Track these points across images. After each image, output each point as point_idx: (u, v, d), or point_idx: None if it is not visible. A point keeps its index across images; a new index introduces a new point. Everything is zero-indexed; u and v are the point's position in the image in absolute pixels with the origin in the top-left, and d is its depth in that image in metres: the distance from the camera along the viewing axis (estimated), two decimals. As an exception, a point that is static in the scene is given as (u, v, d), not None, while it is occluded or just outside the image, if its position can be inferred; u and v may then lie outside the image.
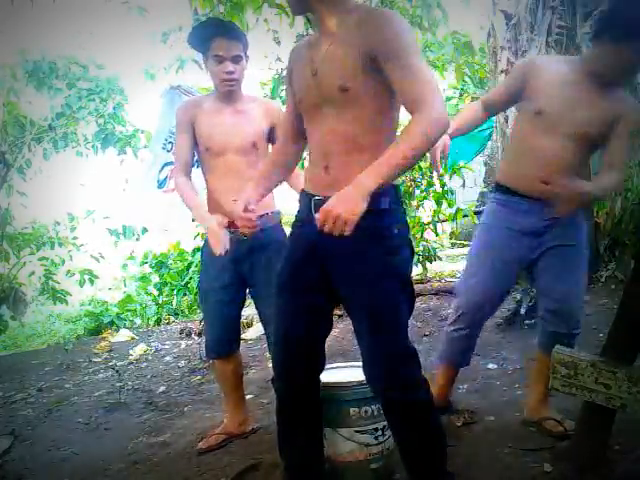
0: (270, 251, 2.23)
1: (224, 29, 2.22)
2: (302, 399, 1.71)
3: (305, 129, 1.65)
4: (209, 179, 2.34)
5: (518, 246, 2.11)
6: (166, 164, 4.16)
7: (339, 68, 1.47)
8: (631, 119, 2.00)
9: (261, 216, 2.20)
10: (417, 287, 5.08)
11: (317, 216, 1.36)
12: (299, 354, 1.66)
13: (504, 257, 2.12)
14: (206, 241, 2.32)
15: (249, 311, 5.17)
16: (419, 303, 4.63)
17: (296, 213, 1.71)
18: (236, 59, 2.20)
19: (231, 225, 2.18)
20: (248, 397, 2.95)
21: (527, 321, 3.48)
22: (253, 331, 4.46)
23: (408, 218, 5.60)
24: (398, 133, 1.46)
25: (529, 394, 2.27)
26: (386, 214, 1.53)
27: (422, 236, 5.48)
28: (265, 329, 2.39)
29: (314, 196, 1.58)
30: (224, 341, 2.36)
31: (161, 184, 4.20)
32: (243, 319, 4.76)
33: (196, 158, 2.41)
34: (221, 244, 2.12)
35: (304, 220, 1.61)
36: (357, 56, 1.44)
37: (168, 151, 4.13)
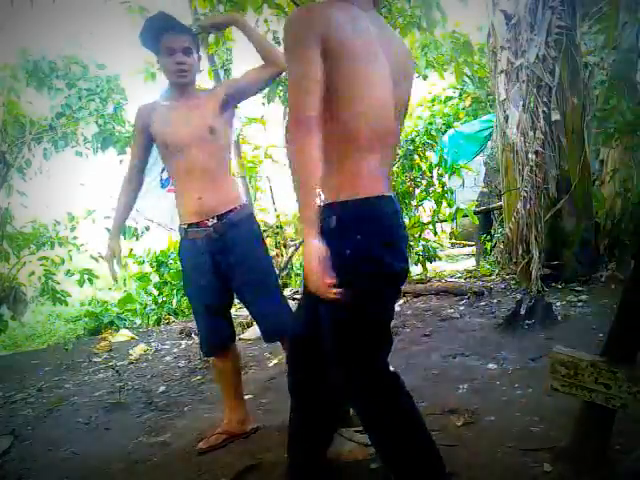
0: (244, 245, 2.24)
1: (172, 23, 2.26)
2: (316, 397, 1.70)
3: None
4: (174, 180, 2.36)
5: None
6: None
7: None
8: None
9: (229, 211, 2.22)
10: (417, 287, 5.10)
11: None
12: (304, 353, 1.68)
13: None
14: (181, 244, 2.35)
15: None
16: (419, 303, 4.63)
17: None
18: (187, 51, 2.24)
19: (201, 224, 2.21)
20: (248, 397, 2.95)
21: (527, 321, 3.48)
22: (253, 331, 4.46)
23: (407, 218, 5.58)
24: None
25: None
26: (330, 239, 1.37)
27: (421, 235, 5.49)
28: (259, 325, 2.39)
29: None
30: (215, 340, 2.37)
31: (164, 184, 4.22)
32: (242, 319, 4.76)
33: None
34: (110, 273, 2.33)
35: None
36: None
37: None
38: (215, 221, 2.22)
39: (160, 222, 4.30)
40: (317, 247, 1.31)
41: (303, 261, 1.34)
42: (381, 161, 1.49)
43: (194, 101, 2.29)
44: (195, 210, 2.24)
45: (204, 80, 5.65)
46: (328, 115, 1.38)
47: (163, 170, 4.19)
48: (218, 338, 2.38)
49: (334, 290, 1.31)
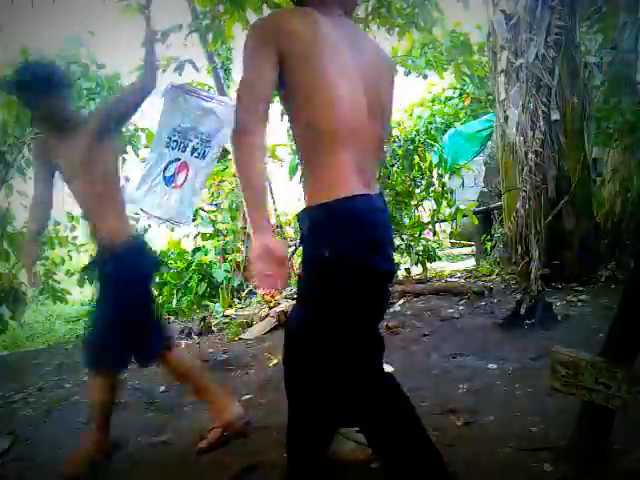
0: (108, 269, 2.34)
1: None
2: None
3: None
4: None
5: None
6: (171, 161, 4.19)
7: None
8: None
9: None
10: (417, 287, 5.10)
11: None
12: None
13: None
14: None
15: (249, 311, 5.17)
16: (419, 303, 4.63)
17: None
18: None
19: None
20: (248, 397, 2.96)
21: (527, 321, 3.48)
22: (253, 331, 4.46)
23: (407, 218, 5.57)
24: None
25: None
26: (307, 243, 1.48)
27: (420, 235, 5.48)
28: None
29: None
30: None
31: (168, 181, 4.23)
32: (242, 319, 4.76)
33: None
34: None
35: None
36: None
37: (173, 149, 4.16)
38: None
39: (167, 218, 4.31)
40: (262, 245, 1.35)
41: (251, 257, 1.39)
42: (355, 161, 1.48)
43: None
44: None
45: (204, 79, 5.66)
46: (296, 119, 1.46)
47: (166, 168, 4.21)
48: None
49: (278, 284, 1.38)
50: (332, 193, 1.44)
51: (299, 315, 1.59)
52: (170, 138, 4.15)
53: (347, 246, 1.43)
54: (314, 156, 1.47)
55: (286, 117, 1.56)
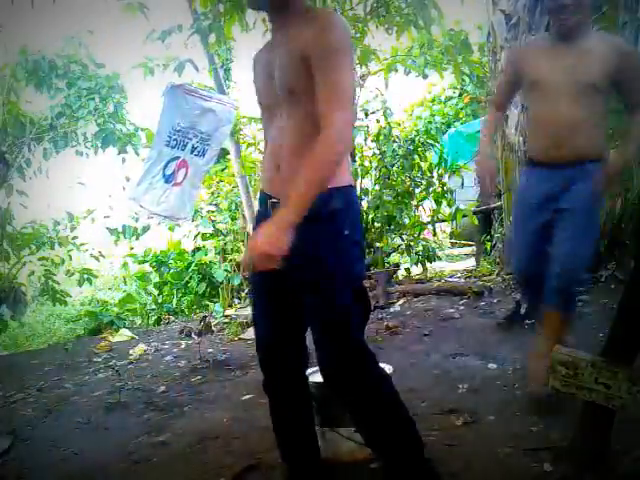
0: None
1: None
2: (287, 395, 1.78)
3: None
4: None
5: (540, 210, 2.34)
6: (171, 160, 4.19)
7: (286, 72, 1.50)
8: (625, 51, 2.23)
9: None
10: (417, 287, 5.10)
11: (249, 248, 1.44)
12: (275, 352, 1.74)
13: (533, 222, 2.37)
14: None
15: (249, 311, 5.16)
16: (419, 303, 4.63)
17: (257, 213, 1.78)
18: None
19: None
20: (248, 397, 2.96)
21: (527, 321, 3.48)
22: (252, 331, 4.46)
23: (407, 218, 5.59)
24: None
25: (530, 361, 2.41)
26: (335, 217, 1.53)
27: (419, 235, 5.49)
28: None
29: (271, 197, 1.61)
30: None
31: (168, 179, 4.24)
32: (243, 319, 4.76)
33: None
34: None
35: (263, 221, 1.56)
36: (298, 60, 1.46)
37: (172, 147, 4.16)
38: None
39: (167, 215, 4.31)
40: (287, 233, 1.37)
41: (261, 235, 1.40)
42: None
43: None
44: None
45: (205, 79, 5.66)
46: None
47: (166, 166, 4.21)
48: None
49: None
50: (346, 179, 1.57)
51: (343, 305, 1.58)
52: (170, 137, 4.15)
53: (358, 229, 1.63)
54: None
55: None
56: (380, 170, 5.68)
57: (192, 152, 4.26)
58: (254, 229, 1.66)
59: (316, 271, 1.54)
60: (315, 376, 2.03)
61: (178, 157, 4.22)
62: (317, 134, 1.42)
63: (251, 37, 4.95)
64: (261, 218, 1.63)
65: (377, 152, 5.63)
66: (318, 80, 1.42)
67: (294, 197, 1.39)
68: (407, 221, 5.50)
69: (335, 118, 1.39)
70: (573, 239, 2.22)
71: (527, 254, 2.40)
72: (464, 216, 5.37)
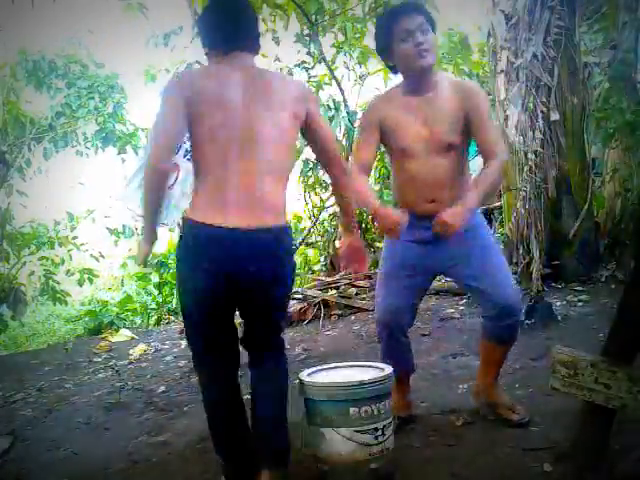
0: None
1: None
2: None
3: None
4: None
5: (417, 255, 2.18)
6: None
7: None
8: (476, 96, 2.13)
9: None
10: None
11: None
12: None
13: (406, 269, 2.20)
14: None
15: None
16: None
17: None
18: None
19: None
20: (247, 397, 2.95)
21: (527, 321, 3.48)
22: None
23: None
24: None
25: (480, 379, 2.36)
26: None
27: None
28: None
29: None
30: None
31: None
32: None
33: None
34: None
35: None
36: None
37: None
38: None
39: (163, 222, 4.29)
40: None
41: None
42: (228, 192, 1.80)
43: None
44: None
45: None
46: None
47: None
48: None
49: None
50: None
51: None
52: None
53: None
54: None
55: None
56: (380, 170, 5.68)
57: (185, 156, 4.23)
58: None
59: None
60: (315, 376, 2.03)
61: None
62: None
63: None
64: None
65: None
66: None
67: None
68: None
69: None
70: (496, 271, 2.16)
71: (400, 298, 2.21)
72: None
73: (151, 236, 1.88)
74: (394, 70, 2.22)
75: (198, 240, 1.72)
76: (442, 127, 2.10)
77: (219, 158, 1.72)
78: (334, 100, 5.28)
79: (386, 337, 2.27)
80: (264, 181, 1.73)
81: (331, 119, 5.14)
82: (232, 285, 1.72)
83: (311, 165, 5.68)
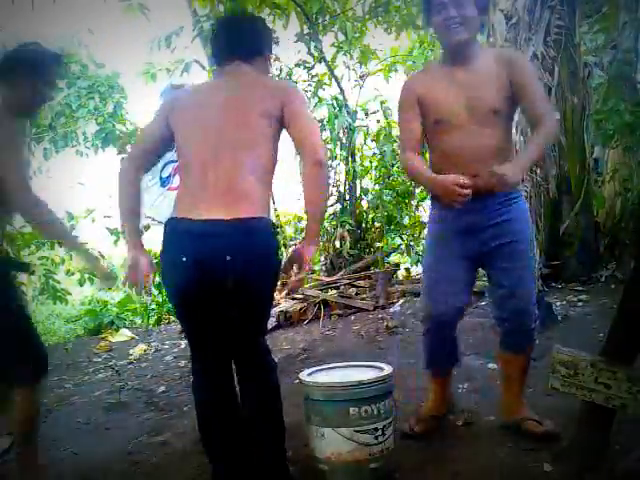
0: None
1: None
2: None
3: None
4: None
5: (463, 244, 2.08)
6: (168, 162, 4.17)
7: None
8: (521, 61, 2.10)
9: None
10: (417, 287, 5.09)
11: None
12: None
13: (453, 257, 2.10)
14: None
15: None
16: (419, 303, 4.62)
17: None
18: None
19: None
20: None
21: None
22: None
23: (407, 218, 5.55)
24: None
25: (504, 396, 2.22)
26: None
27: (419, 235, 5.48)
28: None
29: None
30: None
31: (164, 182, 4.20)
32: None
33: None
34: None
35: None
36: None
37: (170, 150, 4.14)
38: None
39: (159, 220, 4.29)
40: None
41: None
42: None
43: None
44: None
45: (205, 78, 5.65)
46: None
47: (163, 168, 4.18)
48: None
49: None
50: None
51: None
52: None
53: None
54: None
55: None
56: (380, 170, 5.68)
57: None
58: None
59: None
60: (315, 376, 2.03)
61: (175, 160, 4.21)
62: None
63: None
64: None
65: (377, 152, 5.64)
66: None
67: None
68: (407, 221, 5.50)
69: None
70: (516, 273, 2.05)
71: (447, 289, 2.10)
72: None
73: (132, 239, 1.92)
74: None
75: (174, 233, 1.82)
76: (485, 93, 2.01)
77: (195, 160, 1.84)
78: (336, 98, 5.28)
79: (435, 333, 2.16)
80: (236, 177, 1.78)
81: (335, 116, 5.13)
82: (206, 275, 1.73)
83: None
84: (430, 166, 2.15)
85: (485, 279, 2.33)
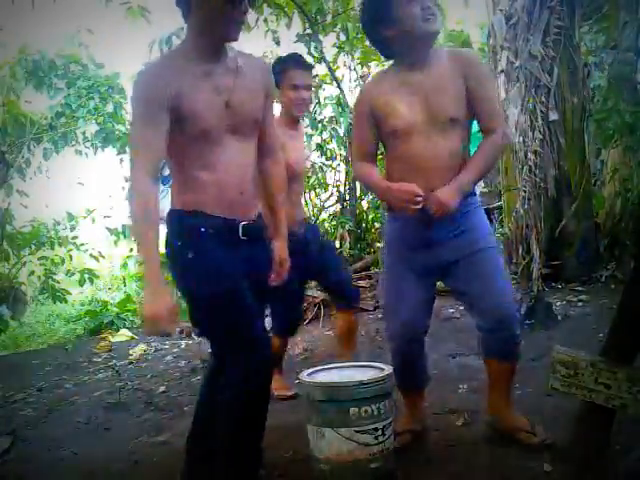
0: None
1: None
2: None
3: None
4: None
5: (423, 260, 2.05)
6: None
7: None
8: (477, 66, 2.01)
9: None
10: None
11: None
12: None
13: (413, 275, 2.07)
14: None
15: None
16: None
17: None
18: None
19: None
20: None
21: (527, 321, 3.48)
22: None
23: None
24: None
25: (490, 395, 2.19)
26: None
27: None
28: None
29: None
30: None
31: (164, 181, 4.21)
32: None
33: None
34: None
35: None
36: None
37: None
38: None
39: (160, 217, 4.30)
40: None
41: None
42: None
43: None
44: None
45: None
46: None
47: (163, 167, 4.19)
48: None
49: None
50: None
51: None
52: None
53: None
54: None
55: None
56: (380, 170, 5.67)
57: None
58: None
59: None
60: (315, 376, 2.03)
61: None
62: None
63: (252, 36, 4.96)
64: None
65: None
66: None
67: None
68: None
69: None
70: (492, 279, 2.00)
71: (412, 313, 2.08)
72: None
73: (156, 273, 1.80)
74: (385, 51, 2.09)
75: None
76: (443, 99, 1.93)
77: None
78: (339, 98, 5.27)
79: (401, 353, 2.13)
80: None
81: (341, 115, 5.12)
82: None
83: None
84: (386, 175, 2.11)
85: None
